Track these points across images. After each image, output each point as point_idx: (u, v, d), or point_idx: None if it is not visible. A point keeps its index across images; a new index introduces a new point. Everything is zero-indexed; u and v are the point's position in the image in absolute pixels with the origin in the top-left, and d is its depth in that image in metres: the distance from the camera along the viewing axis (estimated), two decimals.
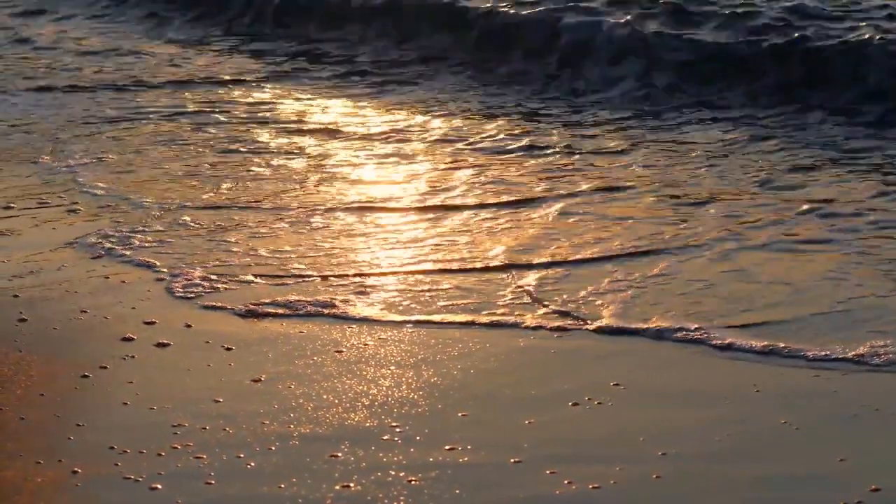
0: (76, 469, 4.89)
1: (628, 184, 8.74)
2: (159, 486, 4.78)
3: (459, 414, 5.35)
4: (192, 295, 6.74)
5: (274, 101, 12.02)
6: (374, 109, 11.60)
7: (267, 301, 6.58)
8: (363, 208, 8.32)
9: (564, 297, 6.56)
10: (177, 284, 6.90)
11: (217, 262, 7.21)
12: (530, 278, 6.85)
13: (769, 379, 5.60)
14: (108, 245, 7.58)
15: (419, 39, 14.15)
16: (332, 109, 11.65)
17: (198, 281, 6.93)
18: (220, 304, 6.59)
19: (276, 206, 8.37)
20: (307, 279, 6.92)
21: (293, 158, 9.75)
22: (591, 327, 6.20)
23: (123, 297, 6.73)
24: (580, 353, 5.97)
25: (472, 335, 6.15)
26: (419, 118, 11.15)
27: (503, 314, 6.37)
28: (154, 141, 10.39)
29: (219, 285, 6.85)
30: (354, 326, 6.29)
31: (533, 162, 9.45)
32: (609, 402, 5.43)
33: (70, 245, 7.62)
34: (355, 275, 7.01)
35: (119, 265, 7.25)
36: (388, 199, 8.55)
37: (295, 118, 11.23)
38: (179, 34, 15.92)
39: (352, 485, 4.76)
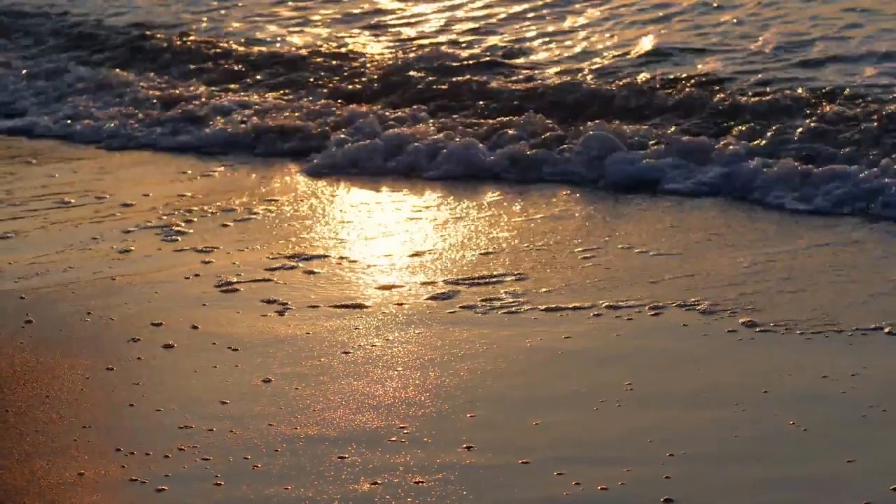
0: (82, 471, 4.88)
1: None
2: (166, 488, 4.77)
3: (467, 415, 5.33)
4: (198, 295, 6.75)
5: None
6: None
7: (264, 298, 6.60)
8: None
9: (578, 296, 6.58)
10: (182, 287, 6.91)
11: (224, 264, 7.23)
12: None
13: (777, 380, 5.59)
14: (110, 247, 7.59)
15: None
16: None
17: (202, 284, 6.93)
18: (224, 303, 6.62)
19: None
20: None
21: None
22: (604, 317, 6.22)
23: (129, 299, 6.72)
24: (586, 354, 5.95)
25: (477, 336, 6.14)
26: None
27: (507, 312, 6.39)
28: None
29: (229, 286, 6.86)
30: (362, 327, 6.29)
31: None
32: (617, 403, 5.41)
33: (74, 247, 7.62)
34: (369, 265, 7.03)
35: (122, 267, 7.25)
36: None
37: None
38: None
39: (359, 486, 4.75)
